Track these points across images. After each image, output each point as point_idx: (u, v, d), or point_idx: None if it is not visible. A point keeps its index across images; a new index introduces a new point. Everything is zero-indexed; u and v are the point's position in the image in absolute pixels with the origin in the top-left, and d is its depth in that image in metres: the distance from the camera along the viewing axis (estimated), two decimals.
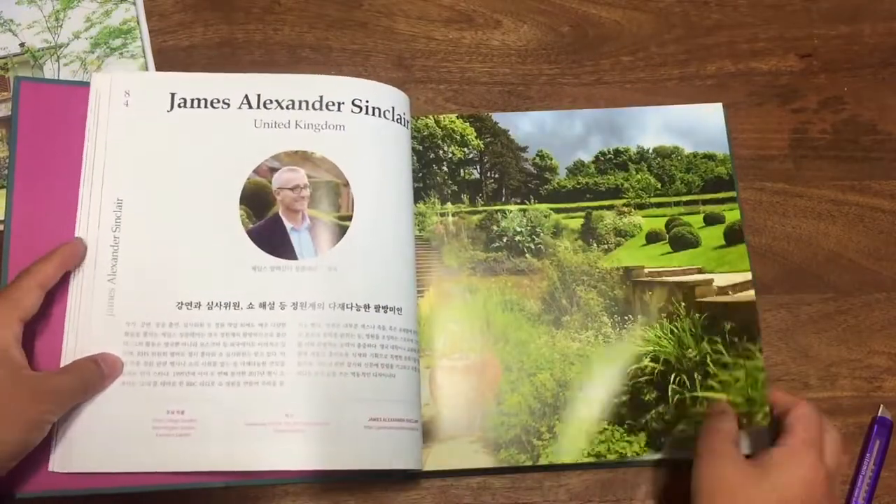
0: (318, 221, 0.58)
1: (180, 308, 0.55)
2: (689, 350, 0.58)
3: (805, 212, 0.64)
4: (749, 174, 0.65)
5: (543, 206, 0.62)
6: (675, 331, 0.59)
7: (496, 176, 0.63)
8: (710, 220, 0.62)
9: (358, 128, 0.60)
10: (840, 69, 0.68)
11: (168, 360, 0.54)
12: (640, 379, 0.58)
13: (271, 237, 0.57)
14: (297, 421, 0.54)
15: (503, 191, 0.63)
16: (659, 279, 0.60)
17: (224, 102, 0.59)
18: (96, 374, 0.52)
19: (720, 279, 0.60)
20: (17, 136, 0.57)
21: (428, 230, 0.61)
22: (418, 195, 0.62)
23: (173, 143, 0.58)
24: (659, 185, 0.63)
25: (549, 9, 0.69)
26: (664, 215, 0.62)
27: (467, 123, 0.64)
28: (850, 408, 0.60)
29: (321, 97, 0.60)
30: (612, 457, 0.56)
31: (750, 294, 0.60)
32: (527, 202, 0.62)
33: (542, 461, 0.56)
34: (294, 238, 0.57)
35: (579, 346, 0.59)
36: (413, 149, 0.62)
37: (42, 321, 0.54)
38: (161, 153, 0.58)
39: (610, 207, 0.63)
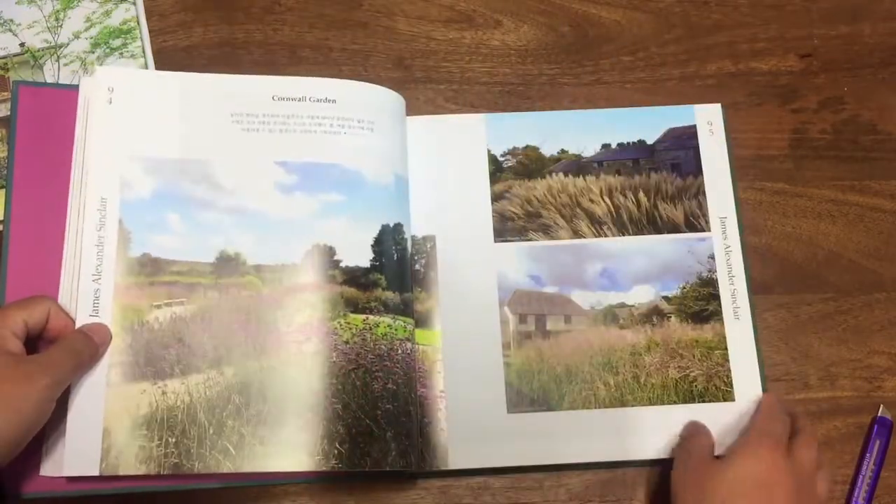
0: None
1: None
2: None
3: (805, 212, 0.64)
4: (749, 174, 0.65)
5: None
6: None
7: None
8: None
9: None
10: (840, 69, 0.68)
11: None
12: None
13: None
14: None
15: None
16: None
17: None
18: (86, 343, 0.52)
19: None
20: (15, 139, 0.58)
21: None
22: None
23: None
24: None
25: (549, 9, 0.69)
26: None
27: None
28: (850, 408, 0.60)
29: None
30: None
31: None
32: None
33: None
34: None
35: None
36: None
37: None
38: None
39: None
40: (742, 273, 0.61)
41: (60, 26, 0.65)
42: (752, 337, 0.60)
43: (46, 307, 0.53)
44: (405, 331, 0.57)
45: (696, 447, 0.54)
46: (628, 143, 0.64)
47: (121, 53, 0.64)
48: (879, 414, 0.59)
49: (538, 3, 0.69)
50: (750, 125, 0.66)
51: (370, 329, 0.56)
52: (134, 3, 0.66)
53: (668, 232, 0.62)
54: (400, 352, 0.57)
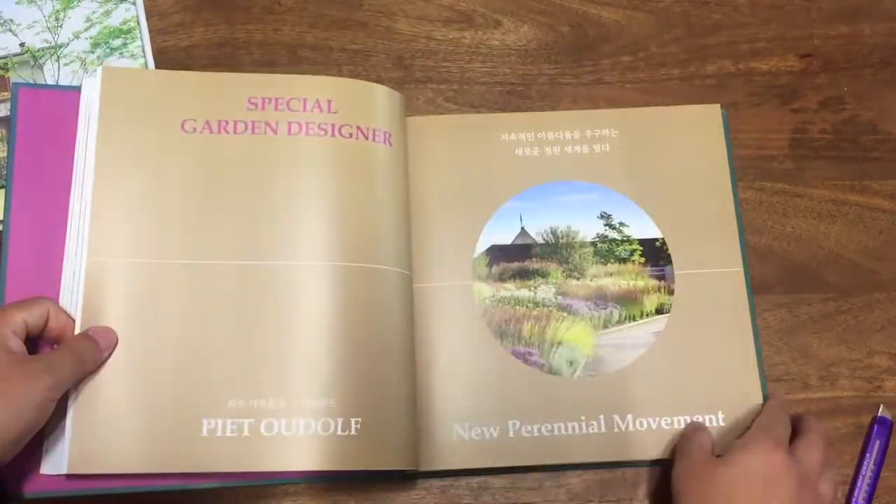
0: None
1: None
2: None
3: (805, 212, 0.64)
4: (749, 174, 0.65)
5: None
6: None
7: None
8: None
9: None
10: (840, 69, 0.68)
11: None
12: None
13: None
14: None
15: None
16: None
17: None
18: (89, 346, 0.52)
19: None
20: (15, 140, 0.58)
21: None
22: None
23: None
24: None
25: (549, 9, 0.69)
26: None
27: None
28: (850, 408, 0.60)
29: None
30: None
31: None
32: None
33: None
34: None
35: None
36: None
37: None
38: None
39: None
40: (742, 273, 0.61)
41: (60, 26, 0.65)
42: (752, 337, 0.60)
43: (46, 307, 0.53)
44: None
45: (696, 446, 0.54)
46: None
47: (121, 53, 0.65)
48: (879, 414, 0.59)
49: (538, 3, 0.69)
50: (750, 125, 0.66)
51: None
52: (134, 3, 0.66)
53: None
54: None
